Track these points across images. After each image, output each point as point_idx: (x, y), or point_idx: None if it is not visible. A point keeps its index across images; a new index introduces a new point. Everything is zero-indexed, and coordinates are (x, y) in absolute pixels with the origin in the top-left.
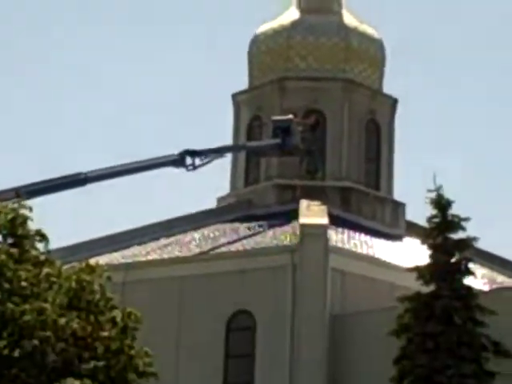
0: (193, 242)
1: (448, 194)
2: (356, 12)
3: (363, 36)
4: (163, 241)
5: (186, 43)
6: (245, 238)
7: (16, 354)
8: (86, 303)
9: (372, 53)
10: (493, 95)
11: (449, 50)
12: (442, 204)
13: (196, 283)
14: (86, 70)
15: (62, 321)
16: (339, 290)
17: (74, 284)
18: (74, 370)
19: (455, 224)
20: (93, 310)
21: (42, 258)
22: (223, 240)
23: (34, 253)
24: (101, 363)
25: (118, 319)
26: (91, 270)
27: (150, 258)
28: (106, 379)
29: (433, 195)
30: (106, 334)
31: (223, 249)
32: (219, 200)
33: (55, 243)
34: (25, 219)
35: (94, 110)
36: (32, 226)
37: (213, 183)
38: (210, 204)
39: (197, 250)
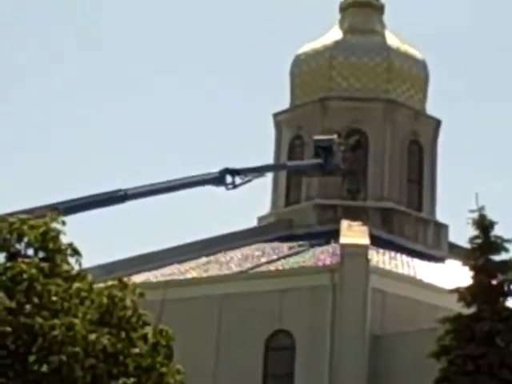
0: (233, 261)
1: (490, 215)
2: (399, 32)
3: (405, 56)
4: (203, 259)
5: (228, 63)
6: (285, 257)
7: (44, 369)
8: (117, 319)
9: (414, 73)
10: None
11: (492, 72)
12: (484, 225)
13: (235, 302)
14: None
15: (92, 336)
16: (380, 310)
17: (105, 300)
18: None
19: (498, 245)
20: (124, 326)
21: (74, 272)
22: (263, 259)
23: (65, 267)
24: (131, 380)
25: (150, 336)
26: (123, 286)
27: (188, 276)
28: None
29: (475, 216)
30: (137, 350)
31: (263, 268)
32: (260, 219)
33: (92, 261)
34: (57, 233)
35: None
36: (65, 240)
37: (253, 202)
38: (251, 223)
39: (236, 269)
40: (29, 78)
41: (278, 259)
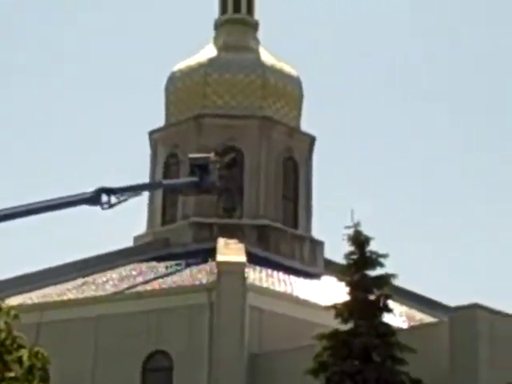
0: (109, 282)
1: (366, 232)
2: (273, 49)
3: (281, 73)
4: (79, 280)
5: (103, 79)
6: (162, 276)
7: None
8: None
9: (289, 90)
10: (412, 129)
11: (366, 86)
12: (360, 240)
13: (112, 323)
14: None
15: None
16: (257, 328)
17: None
18: None
19: (373, 260)
20: None
21: None
22: (140, 279)
23: None
24: None
25: (25, 359)
26: None
27: (65, 297)
28: None
29: (350, 232)
30: (12, 374)
31: (139, 288)
32: (136, 239)
33: None
34: None
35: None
36: None
37: (130, 222)
38: (127, 243)
39: (113, 290)
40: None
41: (155, 279)
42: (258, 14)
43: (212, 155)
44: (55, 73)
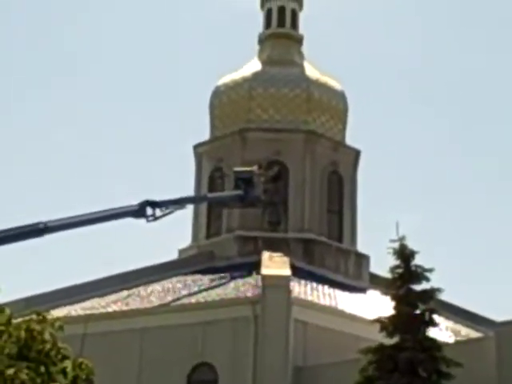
0: (154, 294)
1: (411, 245)
2: (318, 63)
3: (325, 87)
4: (124, 293)
5: (149, 93)
6: (206, 289)
7: None
8: (36, 353)
9: (334, 104)
10: (452, 147)
11: (409, 100)
12: (405, 254)
13: (156, 335)
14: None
15: (11, 371)
16: (301, 341)
17: (23, 333)
18: None
19: (418, 274)
20: (43, 360)
21: None
22: (184, 292)
23: None
24: None
25: (69, 370)
26: (42, 319)
27: (110, 310)
28: None
29: (396, 245)
30: None
31: (184, 300)
32: (181, 252)
33: (11, 295)
34: None
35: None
36: None
37: (174, 235)
38: (172, 256)
39: (157, 302)
40: None
41: (200, 291)
42: (302, 28)
43: (255, 168)
44: (104, 87)
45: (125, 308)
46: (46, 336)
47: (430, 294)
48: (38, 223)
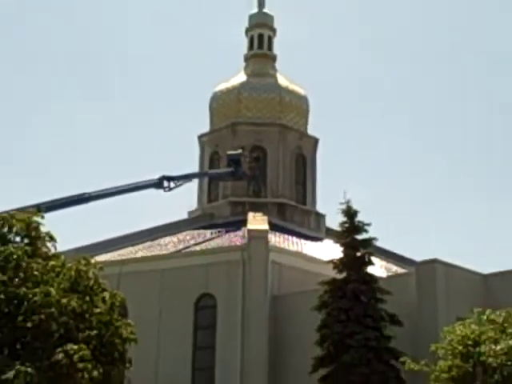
0: (170, 244)
1: (354, 206)
2: (288, 75)
3: (293, 93)
4: (148, 243)
5: (163, 97)
6: (208, 240)
7: (29, 325)
8: (83, 287)
9: (299, 105)
10: (403, 131)
11: (359, 101)
12: (350, 213)
13: (172, 274)
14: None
15: (64, 300)
16: (277, 277)
17: (73, 273)
18: (73, 338)
19: (360, 228)
20: (88, 292)
21: (50, 254)
22: (192, 242)
23: (44, 250)
24: (94, 332)
25: (107, 298)
26: (87, 262)
27: (138, 255)
28: (98, 344)
29: (343, 207)
30: (98, 310)
31: (192, 248)
32: (189, 213)
33: (65, 245)
34: (38, 225)
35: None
36: (44, 229)
37: (184, 200)
38: (183, 216)
39: (173, 249)
40: None
41: (203, 242)
42: (275, 50)
43: (242, 152)
44: (124, 88)
45: (149, 254)
46: (90, 275)
47: (368, 242)
48: (83, 193)
